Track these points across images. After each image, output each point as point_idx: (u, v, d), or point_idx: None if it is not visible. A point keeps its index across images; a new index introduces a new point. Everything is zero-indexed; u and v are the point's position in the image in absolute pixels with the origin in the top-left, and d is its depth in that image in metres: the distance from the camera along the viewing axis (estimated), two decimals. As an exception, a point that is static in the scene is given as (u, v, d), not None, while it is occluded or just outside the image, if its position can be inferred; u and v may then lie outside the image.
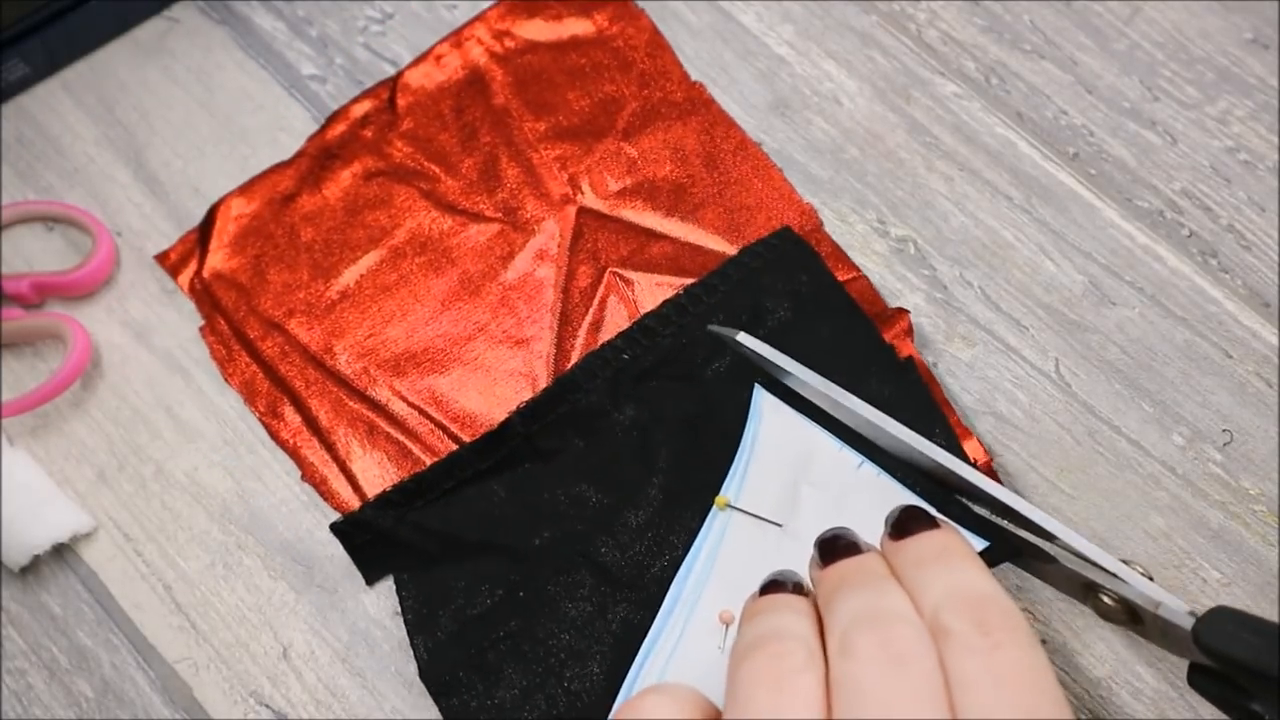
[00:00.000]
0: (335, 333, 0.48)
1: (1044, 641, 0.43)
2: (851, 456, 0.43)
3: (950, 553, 0.35)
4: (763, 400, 0.45)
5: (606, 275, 0.48)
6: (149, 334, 0.49)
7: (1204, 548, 0.44)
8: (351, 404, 0.47)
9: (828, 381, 0.43)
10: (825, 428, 0.44)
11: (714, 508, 0.44)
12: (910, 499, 0.42)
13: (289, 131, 0.52)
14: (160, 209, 0.51)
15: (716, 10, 0.53)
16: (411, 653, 0.44)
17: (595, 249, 0.49)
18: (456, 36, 0.53)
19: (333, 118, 0.52)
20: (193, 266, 0.50)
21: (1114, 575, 0.38)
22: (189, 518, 0.47)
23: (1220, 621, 0.35)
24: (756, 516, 0.43)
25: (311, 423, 0.47)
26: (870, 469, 0.43)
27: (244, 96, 0.53)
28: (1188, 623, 0.36)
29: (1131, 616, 0.38)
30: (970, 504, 0.41)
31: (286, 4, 0.55)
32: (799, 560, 0.38)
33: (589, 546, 0.44)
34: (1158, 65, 0.51)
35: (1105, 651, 0.42)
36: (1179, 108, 0.50)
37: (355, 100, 0.52)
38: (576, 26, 0.53)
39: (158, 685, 0.45)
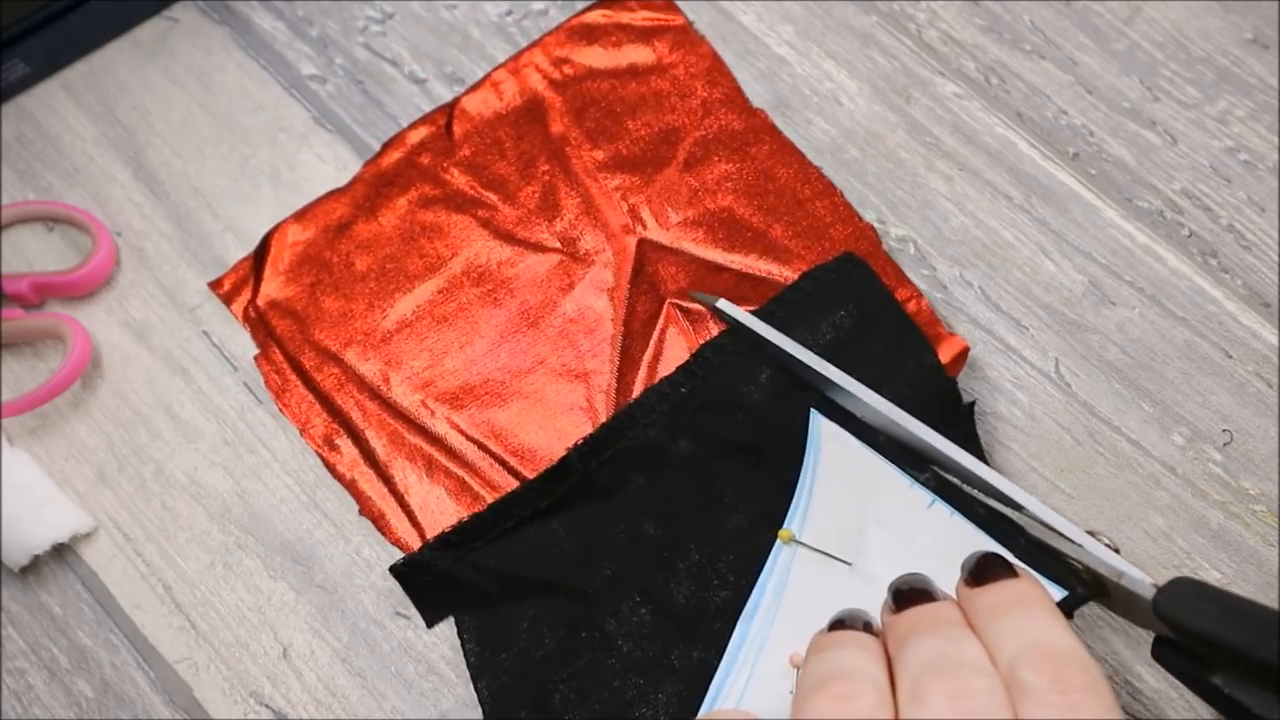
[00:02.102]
0: (392, 364, 0.48)
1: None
2: (923, 495, 0.42)
3: (1028, 603, 0.34)
4: (821, 426, 0.44)
5: (665, 307, 0.48)
6: (149, 334, 0.49)
7: (1204, 548, 0.44)
8: (410, 437, 0.47)
9: (823, 360, 0.42)
10: (889, 458, 0.43)
11: (778, 541, 0.43)
12: (984, 542, 0.41)
13: (289, 131, 0.52)
14: (160, 209, 0.51)
15: (716, 10, 0.53)
16: (411, 653, 0.44)
17: (655, 280, 0.48)
18: (514, 63, 0.52)
19: (388, 144, 0.51)
20: (246, 294, 0.49)
21: (1079, 545, 0.39)
22: (189, 518, 0.47)
23: (1181, 592, 0.35)
24: (823, 553, 0.42)
25: (369, 455, 0.46)
26: (942, 509, 0.42)
27: (244, 96, 0.53)
28: (1150, 593, 0.36)
29: (1097, 588, 0.38)
30: (952, 476, 0.41)
31: (286, 4, 0.55)
32: (867, 600, 0.36)
33: (651, 583, 0.43)
34: (1158, 65, 0.51)
35: (1105, 651, 0.42)
36: (1179, 108, 0.50)
37: (411, 126, 0.51)
38: (636, 54, 0.52)
39: (158, 685, 0.45)
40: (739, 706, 0.40)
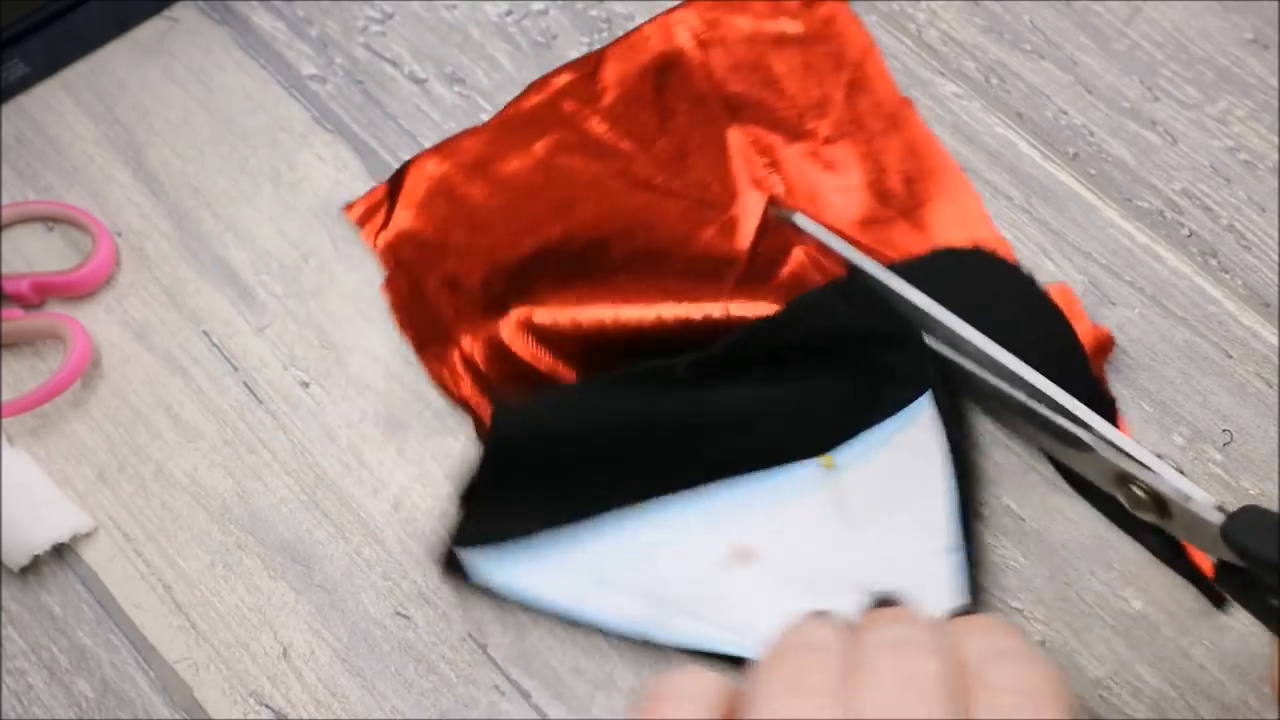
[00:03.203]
0: (517, 300, 0.47)
1: (1043, 642, 0.43)
2: (944, 540, 0.42)
3: (1000, 631, 0.33)
4: (923, 411, 0.44)
5: (794, 255, 0.47)
6: (149, 334, 0.49)
7: (1204, 548, 0.44)
8: (528, 367, 0.46)
9: (939, 305, 0.43)
10: (953, 482, 0.43)
11: (816, 461, 0.43)
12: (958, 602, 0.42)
13: (289, 131, 0.52)
14: (160, 209, 0.51)
15: (716, 10, 0.53)
16: (411, 653, 0.44)
17: (784, 237, 0.47)
18: (665, 19, 0.52)
19: (531, 87, 0.51)
20: (378, 220, 0.50)
21: (1147, 468, 0.39)
22: (189, 518, 0.47)
23: (1249, 520, 0.37)
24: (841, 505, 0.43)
25: (482, 382, 0.47)
26: (947, 561, 0.42)
27: (244, 96, 0.53)
28: (1217, 519, 0.37)
29: (1160, 509, 0.39)
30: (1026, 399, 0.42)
31: (286, 4, 0.55)
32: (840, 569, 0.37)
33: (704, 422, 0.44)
34: (1158, 65, 0.51)
35: (1105, 651, 0.42)
36: (1179, 108, 0.50)
37: (556, 72, 0.52)
38: (788, 25, 0.52)
39: (158, 685, 0.45)
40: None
